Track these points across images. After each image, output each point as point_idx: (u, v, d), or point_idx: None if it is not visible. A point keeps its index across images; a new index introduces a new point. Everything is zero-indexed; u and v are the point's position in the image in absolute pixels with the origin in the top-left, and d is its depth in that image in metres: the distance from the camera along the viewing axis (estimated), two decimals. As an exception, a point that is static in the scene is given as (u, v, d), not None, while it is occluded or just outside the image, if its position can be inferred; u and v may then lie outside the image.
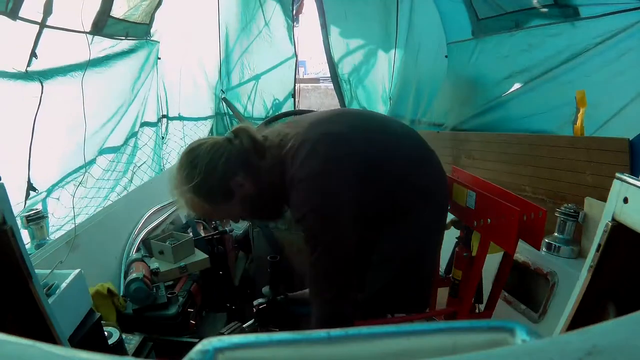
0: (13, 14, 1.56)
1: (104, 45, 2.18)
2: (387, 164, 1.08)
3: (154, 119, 2.95)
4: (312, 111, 1.38)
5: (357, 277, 1.09)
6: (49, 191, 1.85)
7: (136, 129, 2.65)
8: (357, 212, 1.04)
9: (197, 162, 1.02)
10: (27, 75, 1.63)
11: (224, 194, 1.05)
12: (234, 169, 1.03)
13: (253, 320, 1.44)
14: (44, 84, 1.68)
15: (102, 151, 2.23)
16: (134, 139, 2.63)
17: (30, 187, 1.69)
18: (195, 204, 1.06)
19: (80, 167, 1.96)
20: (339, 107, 3.79)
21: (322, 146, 1.01)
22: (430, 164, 1.17)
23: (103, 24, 2.11)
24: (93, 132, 2.06)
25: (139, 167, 2.64)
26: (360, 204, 1.05)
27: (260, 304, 1.41)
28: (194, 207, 1.08)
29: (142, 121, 2.75)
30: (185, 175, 1.03)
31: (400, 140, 1.15)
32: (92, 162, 2.09)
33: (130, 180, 2.53)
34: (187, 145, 1.09)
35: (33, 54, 1.66)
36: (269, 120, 1.92)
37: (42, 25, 1.70)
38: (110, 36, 2.23)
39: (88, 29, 1.99)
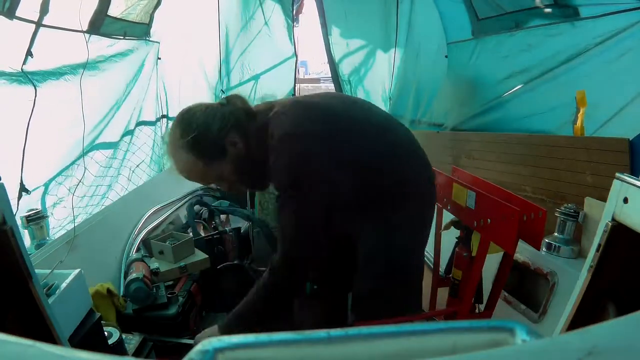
0: (10, 13, 1.56)
1: (101, 45, 2.17)
2: (367, 153, 1.08)
3: (152, 119, 2.95)
4: None
5: (339, 273, 1.15)
6: (46, 186, 1.84)
7: (133, 129, 2.64)
8: (333, 192, 1.06)
9: (193, 120, 1.08)
10: (21, 78, 1.62)
11: (218, 151, 1.08)
12: (228, 127, 1.07)
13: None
14: (38, 86, 1.68)
15: (97, 146, 2.22)
16: (131, 138, 2.63)
17: (23, 188, 1.69)
18: (189, 163, 1.09)
19: (73, 162, 1.96)
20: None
21: (306, 113, 1.08)
22: (414, 157, 1.16)
23: (100, 23, 2.11)
24: (88, 133, 2.06)
25: (137, 165, 2.64)
26: (337, 186, 1.06)
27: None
28: (187, 166, 1.11)
29: (141, 120, 2.74)
30: (181, 132, 1.08)
31: (383, 131, 1.13)
32: (78, 160, 2.06)
33: (129, 179, 2.53)
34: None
35: (29, 53, 1.66)
36: None
37: (39, 24, 1.70)
38: (108, 35, 2.22)
39: (85, 28, 1.99)
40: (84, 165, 1.94)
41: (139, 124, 2.72)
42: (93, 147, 2.19)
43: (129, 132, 2.60)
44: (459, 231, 1.35)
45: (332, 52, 3.86)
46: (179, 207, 2.24)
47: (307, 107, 1.11)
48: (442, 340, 0.28)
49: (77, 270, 1.00)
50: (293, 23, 3.89)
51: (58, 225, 1.81)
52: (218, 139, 1.07)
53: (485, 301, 1.31)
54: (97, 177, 2.20)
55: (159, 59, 2.89)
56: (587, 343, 0.22)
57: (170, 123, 3.08)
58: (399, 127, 1.18)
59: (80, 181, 1.88)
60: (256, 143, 1.09)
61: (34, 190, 1.75)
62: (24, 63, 1.65)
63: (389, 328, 0.28)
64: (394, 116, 1.32)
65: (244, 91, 3.95)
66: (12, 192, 1.65)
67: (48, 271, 0.96)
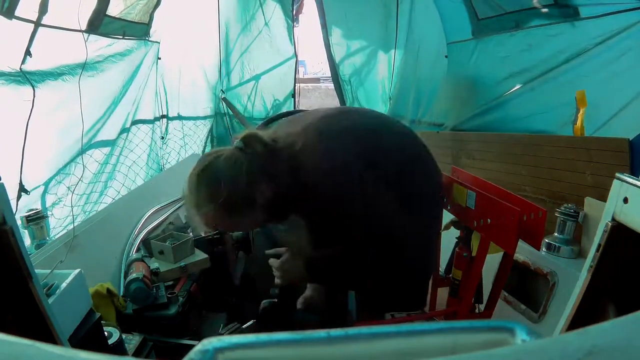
0: (9, 13, 1.56)
1: (100, 44, 2.17)
2: (383, 162, 1.12)
3: (152, 119, 2.95)
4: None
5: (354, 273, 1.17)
6: (46, 185, 1.84)
7: (129, 127, 2.65)
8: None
9: (218, 179, 1.00)
10: (20, 78, 1.62)
11: (249, 204, 1.03)
12: (256, 178, 1.02)
13: (253, 320, 1.44)
14: (37, 86, 1.68)
15: (95, 144, 2.23)
16: (127, 136, 2.63)
17: (22, 189, 1.69)
18: (219, 219, 1.05)
19: (72, 160, 1.96)
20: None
21: (335, 141, 1.07)
22: (425, 162, 1.22)
23: (99, 23, 2.11)
24: (86, 132, 2.06)
25: (134, 163, 2.64)
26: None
27: (265, 307, 1.41)
28: (217, 221, 1.07)
29: (137, 119, 2.75)
30: (209, 194, 1.00)
31: (397, 139, 1.18)
32: (77, 158, 2.06)
33: (126, 175, 2.53)
34: (197, 163, 1.05)
35: (27, 53, 1.66)
36: (269, 121, 1.91)
37: (38, 24, 1.70)
38: (107, 35, 2.22)
39: (84, 27, 1.99)
40: (82, 163, 1.95)
41: (135, 122, 2.73)
42: (91, 145, 2.20)
43: (125, 130, 2.60)
44: (459, 231, 1.35)
45: (333, 53, 3.86)
46: (179, 207, 2.24)
47: (333, 138, 1.09)
48: (442, 340, 0.28)
49: (77, 270, 1.00)
50: (293, 23, 3.89)
51: (58, 224, 1.81)
52: (248, 193, 1.01)
53: (485, 301, 1.31)
54: (96, 174, 2.20)
55: (159, 58, 2.89)
56: (587, 343, 0.22)
57: (166, 121, 3.10)
58: (409, 133, 1.25)
59: (79, 180, 1.88)
60: (286, 182, 1.05)
61: (33, 190, 1.75)
62: (22, 63, 1.65)
63: (389, 328, 0.28)
64: (394, 116, 1.37)
65: (244, 91, 3.95)
66: (12, 192, 1.65)
67: (48, 271, 0.96)
